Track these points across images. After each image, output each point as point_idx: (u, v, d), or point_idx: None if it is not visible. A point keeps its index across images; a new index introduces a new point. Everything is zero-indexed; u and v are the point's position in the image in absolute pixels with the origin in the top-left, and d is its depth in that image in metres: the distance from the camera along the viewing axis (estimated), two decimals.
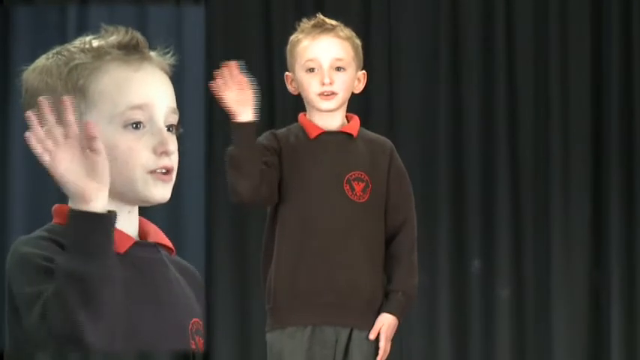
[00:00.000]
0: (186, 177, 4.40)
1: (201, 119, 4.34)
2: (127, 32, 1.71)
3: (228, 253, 4.51)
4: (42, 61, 1.72)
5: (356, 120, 2.79)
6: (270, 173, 2.65)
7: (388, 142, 2.82)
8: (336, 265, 2.66)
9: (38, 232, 1.67)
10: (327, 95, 2.69)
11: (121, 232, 1.67)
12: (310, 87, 2.70)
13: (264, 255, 2.75)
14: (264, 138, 2.73)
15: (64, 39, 4.87)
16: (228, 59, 4.75)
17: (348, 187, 2.69)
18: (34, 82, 1.71)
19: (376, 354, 2.71)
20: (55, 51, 1.72)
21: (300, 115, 2.79)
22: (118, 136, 1.66)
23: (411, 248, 2.74)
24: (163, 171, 1.69)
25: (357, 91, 2.78)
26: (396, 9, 4.76)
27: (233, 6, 4.66)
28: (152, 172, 1.68)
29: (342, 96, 2.71)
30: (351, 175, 2.70)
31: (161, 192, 1.70)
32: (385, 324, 2.68)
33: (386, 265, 2.74)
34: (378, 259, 2.73)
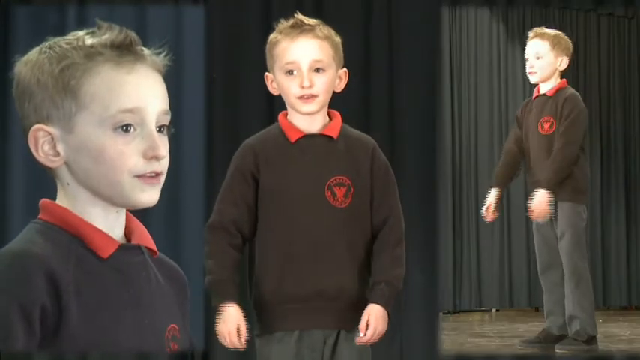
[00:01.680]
0: (186, 177, 4.40)
1: (200, 119, 4.34)
2: (120, 31, 1.69)
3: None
4: (35, 54, 1.70)
5: (337, 119, 2.76)
6: (250, 221, 2.70)
7: (370, 140, 2.79)
8: (322, 271, 2.66)
9: (32, 243, 1.65)
10: (307, 98, 2.67)
11: (106, 235, 1.68)
12: (290, 89, 2.68)
13: (251, 259, 2.76)
14: (240, 160, 2.72)
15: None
16: (228, 59, 4.77)
17: (329, 194, 2.68)
18: (25, 75, 1.69)
19: (366, 350, 2.71)
20: (47, 45, 1.70)
21: (281, 116, 2.77)
22: (108, 139, 1.65)
23: (396, 242, 2.74)
24: (152, 175, 1.68)
25: (339, 89, 2.76)
26: (396, 9, 4.76)
27: (233, 6, 4.66)
28: (140, 176, 1.67)
29: (323, 98, 2.69)
30: (332, 181, 2.68)
31: (149, 196, 1.69)
32: (371, 313, 2.65)
33: (372, 259, 2.73)
34: (364, 260, 2.73)
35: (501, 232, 8.26)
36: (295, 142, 2.71)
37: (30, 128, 1.69)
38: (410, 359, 4.62)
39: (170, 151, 1.71)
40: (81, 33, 1.71)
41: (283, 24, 2.72)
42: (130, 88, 1.67)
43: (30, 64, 1.70)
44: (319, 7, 4.53)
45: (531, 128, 5.17)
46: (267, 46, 2.75)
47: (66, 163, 1.69)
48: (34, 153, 1.69)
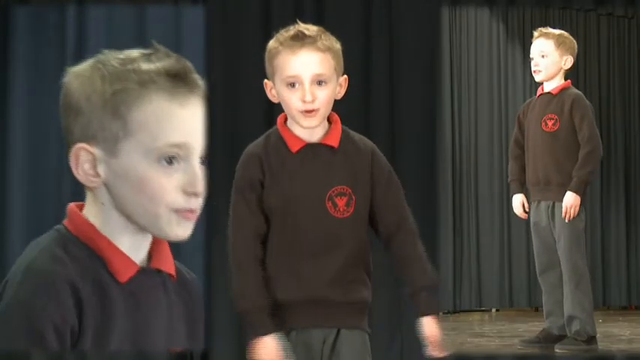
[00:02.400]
0: None
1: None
2: (178, 61, 1.67)
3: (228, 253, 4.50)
4: (88, 69, 1.67)
5: (337, 124, 2.73)
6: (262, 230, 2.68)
7: (369, 146, 2.75)
8: (322, 279, 2.64)
9: (53, 253, 1.63)
10: (309, 112, 2.63)
11: (127, 258, 1.67)
12: (291, 102, 2.64)
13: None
14: (246, 169, 2.69)
15: (63, 38, 4.86)
16: (228, 59, 4.76)
17: (330, 204, 2.66)
18: (76, 89, 1.66)
19: (366, 350, 2.71)
20: (101, 61, 1.67)
21: (280, 121, 2.74)
22: (151, 170, 1.64)
23: (414, 242, 2.72)
24: (189, 210, 1.66)
25: (339, 97, 2.72)
26: (396, 9, 4.76)
27: (232, 6, 4.66)
28: (178, 210, 1.65)
29: (324, 111, 2.66)
30: (333, 192, 2.66)
31: (183, 231, 1.68)
32: (427, 327, 2.69)
33: (396, 268, 2.72)
34: (365, 262, 2.72)
35: (501, 232, 8.26)
36: (296, 152, 2.68)
37: (72, 143, 1.66)
38: (410, 359, 4.62)
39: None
40: (136, 53, 1.68)
41: (283, 34, 2.67)
42: (180, 123, 1.65)
43: (81, 78, 1.67)
44: (319, 7, 4.52)
45: (533, 125, 5.17)
46: (267, 54, 2.71)
47: (105, 185, 1.67)
48: (74, 170, 1.67)
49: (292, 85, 2.64)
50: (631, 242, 8.69)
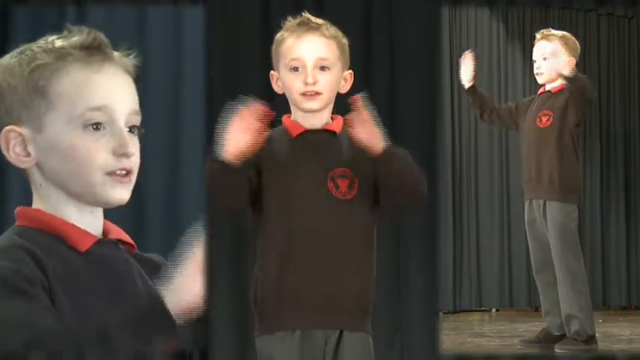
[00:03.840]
0: (186, 177, 4.40)
1: (200, 119, 4.34)
2: (89, 33, 1.72)
3: (228, 252, 4.50)
4: (6, 59, 1.75)
5: (340, 119, 2.73)
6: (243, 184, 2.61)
7: None
8: (324, 267, 2.62)
9: (13, 239, 1.67)
10: (311, 95, 2.65)
11: (82, 230, 1.70)
12: (294, 86, 2.66)
13: (252, 259, 2.75)
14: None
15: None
16: (227, 59, 4.77)
17: (332, 185, 2.65)
18: None
19: (369, 352, 2.69)
20: (19, 50, 1.75)
21: (284, 117, 2.75)
22: (77, 137, 1.67)
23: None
24: (123, 173, 1.69)
25: (343, 91, 2.73)
26: (396, 9, 4.76)
27: (232, 6, 4.66)
28: (111, 173, 1.68)
29: (327, 96, 2.68)
30: (335, 173, 2.66)
31: (119, 194, 1.71)
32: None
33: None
34: (368, 257, 2.69)
35: (501, 232, 8.26)
36: (297, 136, 2.70)
37: (1, 130, 1.71)
38: (410, 359, 4.62)
39: (141, 150, 1.73)
40: (52, 37, 1.74)
41: (290, 22, 2.71)
42: (97, 87, 1.70)
43: (1, 68, 1.74)
44: (319, 7, 4.52)
45: (528, 122, 5.18)
46: (274, 44, 2.73)
47: (37, 164, 1.71)
48: (6, 154, 1.72)
49: (295, 69, 2.66)
50: (631, 242, 8.69)
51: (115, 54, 1.74)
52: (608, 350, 5.18)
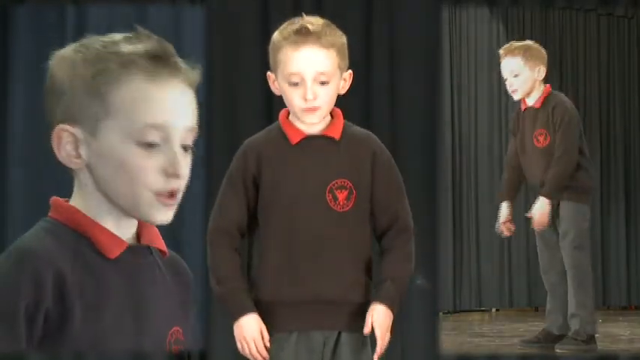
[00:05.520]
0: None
1: (201, 119, 4.33)
2: (158, 42, 1.67)
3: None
4: (70, 52, 1.68)
5: (339, 118, 2.70)
6: (248, 222, 2.69)
7: (371, 137, 2.74)
8: (321, 274, 2.62)
9: (41, 232, 1.66)
10: (311, 109, 2.62)
11: (114, 236, 1.67)
12: (293, 100, 2.62)
13: (249, 260, 2.76)
14: (242, 161, 2.68)
15: (62, 39, 4.87)
16: (227, 59, 4.76)
17: (330, 197, 2.63)
18: (58, 71, 1.68)
19: (367, 352, 2.68)
20: (84, 44, 1.68)
21: (282, 115, 2.72)
22: (130, 152, 1.63)
23: (404, 241, 2.68)
24: (169, 194, 1.66)
25: (342, 91, 2.70)
26: (396, 8, 4.76)
27: (231, 6, 4.66)
28: (158, 193, 1.65)
29: (326, 108, 2.64)
30: (333, 184, 2.64)
31: (163, 215, 1.67)
32: (375, 314, 2.60)
33: (381, 259, 2.69)
34: (366, 262, 2.69)
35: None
36: (296, 143, 2.66)
37: (54, 125, 1.68)
38: (410, 359, 4.62)
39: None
40: (118, 36, 1.68)
41: (287, 27, 2.64)
42: (158, 104, 1.65)
43: (64, 61, 1.68)
44: (319, 7, 4.52)
45: (527, 141, 5.17)
46: (270, 46, 2.68)
47: (87, 166, 1.67)
48: (56, 151, 1.68)
49: (294, 83, 2.61)
50: (631, 242, 8.69)
51: (182, 67, 1.69)
52: (608, 350, 5.18)
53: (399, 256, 2.67)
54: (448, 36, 8.16)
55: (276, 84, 2.68)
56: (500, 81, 8.45)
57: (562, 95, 5.25)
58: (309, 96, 2.59)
